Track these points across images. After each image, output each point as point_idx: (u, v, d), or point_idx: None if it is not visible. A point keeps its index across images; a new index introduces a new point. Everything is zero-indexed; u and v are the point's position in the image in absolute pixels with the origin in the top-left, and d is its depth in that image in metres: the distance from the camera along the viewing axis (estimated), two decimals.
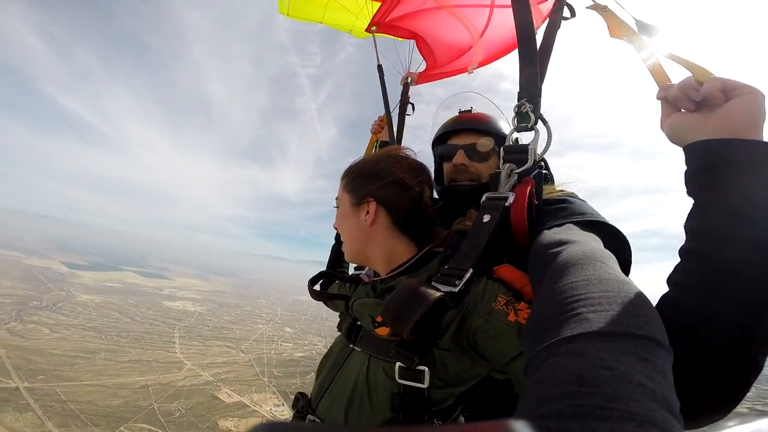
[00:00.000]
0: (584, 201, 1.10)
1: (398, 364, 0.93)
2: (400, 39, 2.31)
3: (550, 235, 0.86)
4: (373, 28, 2.15)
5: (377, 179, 1.18)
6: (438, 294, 0.78)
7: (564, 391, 0.38)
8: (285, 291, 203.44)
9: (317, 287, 1.50)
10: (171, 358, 69.43)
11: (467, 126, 1.51)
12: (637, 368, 0.39)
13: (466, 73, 2.35)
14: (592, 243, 0.78)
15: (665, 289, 0.69)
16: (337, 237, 1.96)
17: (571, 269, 0.63)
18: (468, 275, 0.84)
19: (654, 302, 0.56)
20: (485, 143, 1.45)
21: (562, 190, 1.18)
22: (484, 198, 1.01)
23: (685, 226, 0.71)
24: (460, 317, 0.93)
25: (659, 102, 0.87)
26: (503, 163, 1.06)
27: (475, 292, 0.92)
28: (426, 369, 0.91)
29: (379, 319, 1.06)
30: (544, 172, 1.11)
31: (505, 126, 1.50)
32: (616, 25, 1.17)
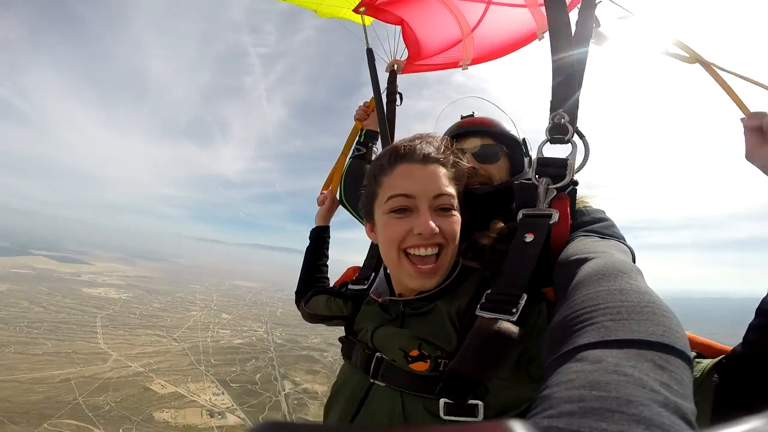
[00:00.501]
0: (610, 219, 1.10)
1: (443, 400, 0.90)
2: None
3: (576, 247, 0.87)
4: (362, 9, 2.08)
5: None
6: (519, 330, 0.76)
7: (576, 394, 0.39)
8: (221, 276, 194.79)
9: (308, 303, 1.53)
10: (93, 349, 64.96)
11: (473, 129, 1.50)
12: (651, 375, 0.40)
13: (459, 68, 2.31)
14: (617, 254, 0.78)
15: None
16: (316, 236, 1.90)
17: (593, 280, 0.64)
18: (524, 302, 0.82)
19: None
20: (489, 142, 1.44)
21: (586, 204, 1.18)
22: (521, 215, 0.99)
23: None
24: (520, 347, 0.87)
25: (744, 131, 0.85)
26: (539, 177, 1.03)
27: (532, 318, 0.88)
28: (480, 402, 0.88)
29: (414, 353, 0.99)
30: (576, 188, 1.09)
31: (511, 128, 1.51)
32: (696, 58, 1.20)
